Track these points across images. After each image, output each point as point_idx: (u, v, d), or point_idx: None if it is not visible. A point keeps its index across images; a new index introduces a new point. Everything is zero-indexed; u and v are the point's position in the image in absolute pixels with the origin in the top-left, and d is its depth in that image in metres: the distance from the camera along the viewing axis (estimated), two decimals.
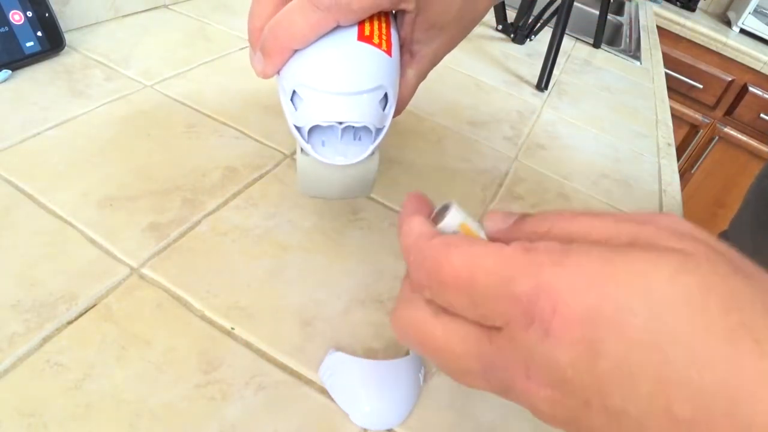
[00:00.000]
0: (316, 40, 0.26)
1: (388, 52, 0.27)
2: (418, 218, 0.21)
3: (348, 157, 0.28)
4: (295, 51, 0.26)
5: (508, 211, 0.21)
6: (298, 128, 0.27)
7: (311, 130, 0.27)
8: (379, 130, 0.28)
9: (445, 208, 0.22)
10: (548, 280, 0.16)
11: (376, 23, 0.28)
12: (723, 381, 0.14)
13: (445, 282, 0.18)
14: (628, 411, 0.15)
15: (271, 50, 0.26)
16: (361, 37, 0.26)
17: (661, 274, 0.15)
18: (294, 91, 0.26)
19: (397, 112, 0.32)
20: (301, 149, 0.29)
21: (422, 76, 0.32)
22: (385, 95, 0.27)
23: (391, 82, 0.27)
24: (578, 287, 0.15)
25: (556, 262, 0.16)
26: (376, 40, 0.27)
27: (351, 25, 0.27)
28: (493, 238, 0.21)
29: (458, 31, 0.32)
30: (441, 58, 0.33)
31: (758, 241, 0.47)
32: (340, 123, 0.26)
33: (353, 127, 0.27)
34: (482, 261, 0.17)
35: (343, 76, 0.26)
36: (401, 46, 0.30)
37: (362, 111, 0.26)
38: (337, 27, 0.26)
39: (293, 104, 0.27)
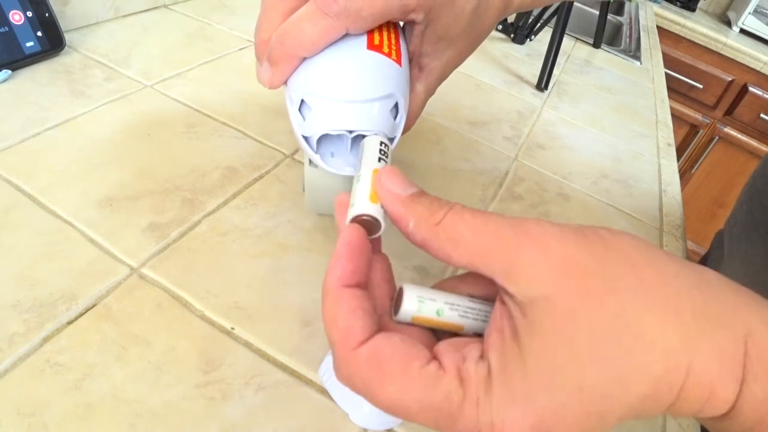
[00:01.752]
0: (325, 49, 0.25)
1: (398, 61, 0.27)
2: (347, 299, 0.20)
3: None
4: (304, 60, 0.26)
5: (406, 180, 0.21)
6: (306, 138, 0.26)
7: (320, 141, 0.26)
8: (390, 140, 0.27)
9: (400, 294, 0.21)
10: (487, 423, 0.17)
11: (385, 33, 0.27)
12: (643, 391, 0.17)
13: (381, 404, 0.19)
14: None
15: (279, 58, 0.26)
16: (371, 46, 0.26)
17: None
18: (302, 101, 0.26)
19: (407, 127, 0.32)
20: (310, 161, 0.28)
21: (431, 90, 0.32)
22: (396, 105, 0.26)
23: (402, 91, 0.27)
24: (513, 423, 0.17)
25: (488, 400, 0.17)
26: (385, 49, 0.26)
27: (360, 35, 0.26)
28: (382, 197, 0.21)
29: (466, 46, 0.32)
30: (449, 72, 0.33)
31: (752, 240, 0.47)
32: (350, 132, 0.25)
33: (363, 136, 0.26)
34: (417, 397, 0.18)
35: (353, 84, 0.25)
36: (410, 60, 0.30)
37: (373, 119, 0.25)
38: (346, 36, 0.26)
39: (301, 114, 0.26)
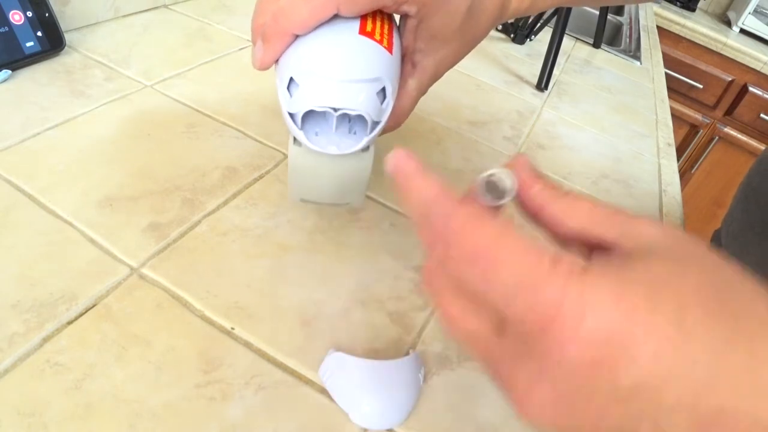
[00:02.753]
0: (317, 30, 0.26)
1: (389, 49, 0.27)
2: (432, 178, 0.19)
3: (341, 148, 0.27)
4: (296, 39, 0.26)
5: (537, 169, 0.21)
6: (292, 116, 0.26)
7: (305, 119, 0.26)
8: (375, 123, 0.27)
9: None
10: (576, 296, 0.16)
11: (378, 22, 0.28)
12: (721, 403, 0.15)
13: (463, 255, 0.18)
14: (646, 414, 0.15)
15: (271, 35, 0.26)
16: (363, 31, 0.26)
17: (672, 283, 0.16)
18: (291, 79, 0.26)
19: (397, 123, 0.32)
20: (294, 140, 0.28)
21: (423, 88, 0.32)
22: (383, 89, 0.27)
23: (391, 77, 0.27)
24: (601, 308, 0.15)
25: (583, 277, 0.16)
26: (377, 36, 0.27)
27: (353, 21, 0.27)
28: (517, 164, 0.21)
29: (460, 47, 0.32)
30: (442, 72, 0.33)
31: (748, 239, 0.47)
32: (336, 110, 0.25)
33: (348, 118, 0.27)
34: (510, 249, 0.17)
35: (341, 64, 0.25)
36: (403, 56, 0.30)
37: (359, 99, 0.26)
38: (339, 20, 0.26)
39: (289, 92, 0.26)
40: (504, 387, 0.18)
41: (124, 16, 0.56)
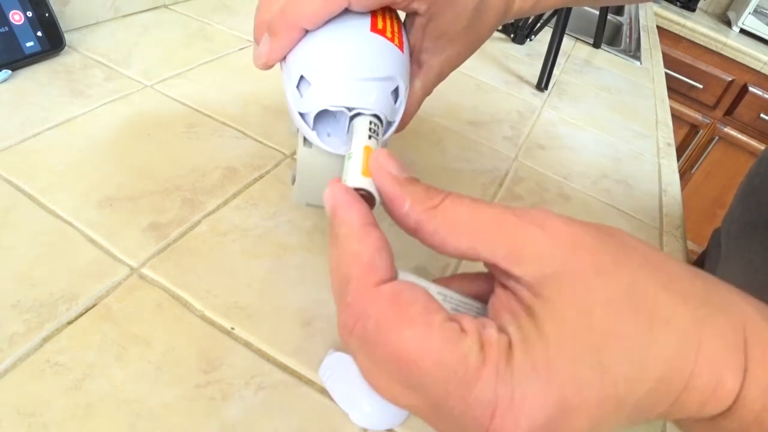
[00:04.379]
0: (327, 26, 0.25)
1: (400, 48, 0.27)
2: (373, 237, 0.19)
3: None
4: (304, 34, 0.25)
5: (402, 164, 0.21)
6: (302, 115, 0.25)
7: (317, 119, 0.26)
8: (389, 124, 0.26)
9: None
10: (504, 402, 0.16)
11: (388, 20, 0.27)
12: (658, 377, 0.17)
13: (385, 352, 0.17)
14: None
15: (279, 29, 0.25)
16: (374, 29, 0.26)
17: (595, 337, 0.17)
18: (301, 77, 0.25)
19: (402, 125, 0.31)
20: (304, 141, 0.27)
21: (428, 88, 0.32)
22: (397, 88, 0.26)
23: (403, 76, 0.26)
24: (530, 408, 0.16)
25: (508, 378, 0.16)
26: (389, 34, 0.26)
27: (364, 17, 0.26)
28: (376, 173, 0.20)
29: (465, 47, 0.32)
30: (447, 73, 0.33)
31: (749, 238, 0.47)
32: (350, 109, 0.25)
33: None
34: (434, 348, 0.16)
35: (355, 62, 0.25)
36: (410, 56, 0.30)
37: (373, 98, 0.25)
38: (350, 17, 0.25)
39: (299, 91, 0.25)
40: None
41: (124, 16, 0.56)
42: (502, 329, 0.18)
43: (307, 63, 0.25)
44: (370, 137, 0.23)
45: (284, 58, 0.26)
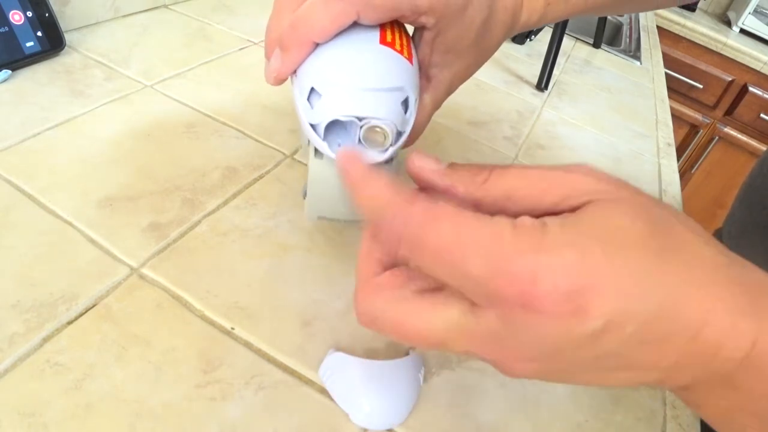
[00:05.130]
0: (337, 39, 0.25)
1: (409, 60, 0.27)
2: (382, 176, 0.20)
3: (366, 159, 0.26)
4: (315, 48, 0.26)
5: (434, 156, 0.22)
6: (314, 127, 0.26)
7: (327, 131, 0.26)
8: (399, 134, 0.27)
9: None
10: (546, 264, 0.17)
11: (397, 34, 0.27)
12: (664, 300, 0.17)
13: (430, 252, 0.18)
14: (615, 352, 0.18)
15: (290, 43, 0.25)
16: (383, 41, 0.26)
17: (625, 227, 0.18)
18: (312, 89, 0.25)
19: (413, 139, 0.32)
20: (315, 153, 0.27)
21: (438, 102, 0.32)
22: (406, 99, 0.26)
23: (412, 87, 0.27)
24: (571, 267, 0.17)
25: (545, 244, 0.17)
26: (397, 47, 0.27)
27: (373, 30, 0.26)
28: (420, 176, 0.22)
29: (474, 60, 0.32)
30: (456, 87, 0.33)
31: (750, 239, 0.47)
32: (360, 119, 0.25)
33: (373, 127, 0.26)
34: (472, 234, 0.18)
35: (365, 73, 0.25)
36: (419, 68, 0.30)
37: (383, 108, 0.25)
38: (359, 30, 0.26)
39: (309, 103, 0.25)
40: (489, 357, 0.20)
41: (124, 16, 0.56)
42: (538, 219, 0.19)
43: (317, 75, 0.25)
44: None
45: (295, 72, 0.27)
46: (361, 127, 0.25)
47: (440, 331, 0.19)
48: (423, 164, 0.22)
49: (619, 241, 0.18)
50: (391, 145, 0.26)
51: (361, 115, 0.25)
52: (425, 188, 0.22)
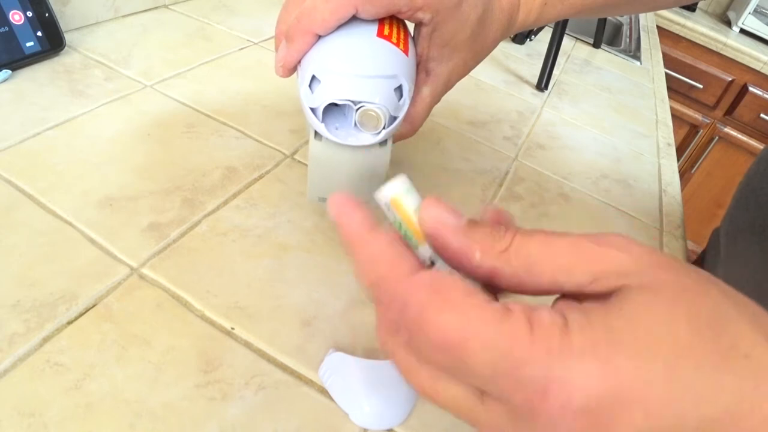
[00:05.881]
0: (337, 32, 0.28)
1: (405, 52, 0.29)
2: (384, 235, 0.18)
3: (360, 140, 0.29)
4: (318, 39, 0.28)
5: (452, 208, 0.19)
6: (313, 110, 0.28)
7: (326, 116, 0.28)
8: (393, 118, 0.29)
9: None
10: (560, 374, 0.15)
11: (395, 28, 0.29)
12: (725, 407, 0.15)
13: (431, 339, 0.16)
14: None
15: (295, 35, 0.28)
16: (380, 34, 0.28)
17: (659, 325, 0.15)
18: (313, 76, 0.27)
19: (413, 130, 0.34)
20: (314, 135, 0.29)
21: (436, 96, 0.33)
22: (400, 87, 0.28)
23: (407, 76, 0.29)
24: (591, 380, 0.15)
25: (564, 350, 0.15)
26: (394, 40, 0.29)
27: (371, 24, 0.28)
28: (434, 233, 0.19)
29: (471, 56, 0.33)
30: (454, 82, 0.34)
31: (748, 239, 0.47)
32: (355, 103, 0.27)
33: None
34: (481, 330, 0.16)
35: (360, 61, 0.27)
36: (417, 64, 0.32)
37: (377, 93, 0.27)
38: (359, 25, 0.28)
39: (310, 89, 0.28)
40: None
41: (124, 16, 0.56)
42: (558, 313, 0.17)
43: (317, 63, 0.27)
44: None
45: (300, 62, 0.29)
46: (356, 111, 0.27)
47: (445, 399, 0.18)
48: (440, 218, 0.19)
49: (656, 346, 0.15)
50: (384, 128, 0.28)
51: (356, 99, 0.27)
52: (436, 245, 0.19)
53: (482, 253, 0.18)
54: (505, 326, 0.16)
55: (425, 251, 0.19)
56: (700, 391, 0.15)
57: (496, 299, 0.17)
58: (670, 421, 0.15)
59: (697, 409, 0.15)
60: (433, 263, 0.19)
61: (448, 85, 0.34)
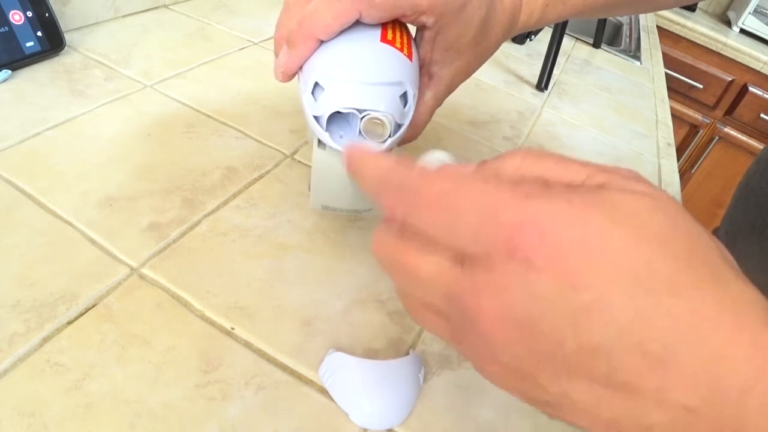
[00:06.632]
0: (340, 37, 0.27)
1: (409, 57, 0.28)
2: (383, 154, 0.20)
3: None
4: (320, 45, 0.27)
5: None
6: (317, 119, 0.27)
7: (330, 124, 0.27)
8: (398, 126, 0.28)
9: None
10: (535, 212, 0.16)
11: (398, 32, 0.29)
12: (688, 317, 0.14)
13: (424, 202, 0.18)
14: (601, 346, 0.15)
15: (297, 40, 0.27)
16: (384, 39, 0.28)
17: (640, 211, 0.16)
18: (316, 83, 0.27)
19: (415, 134, 0.33)
20: (318, 143, 0.28)
21: (439, 99, 0.33)
22: (405, 93, 0.28)
23: (411, 82, 0.28)
24: (565, 220, 0.15)
25: (543, 195, 0.16)
26: (397, 45, 0.28)
27: (374, 29, 0.28)
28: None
29: (473, 58, 0.33)
30: (457, 85, 0.34)
31: (747, 238, 0.47)
32: (360, 111, 0.26)
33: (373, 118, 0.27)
34: (468, 185, 0.17)
35: (365, 68, 0.27)
36: (420, 67, 0.31)
37: (382, 100, 0.27)
38: (362, 29, 0.27)
39: (313, 96, 0.27)
40: (470, 310, 0.17)
41: (124, 16, 0.56)
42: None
43: (320, 70, 0.27)
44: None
45: (301, 68, 0.28)
46: (361, 119, 0.27)
47: (431, 273, 0.18)
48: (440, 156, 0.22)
49: (635, 224, 0.15)
50: (390, 136, 0.27)
51: (360, 107, 0.26)
52: None
53: (478, 165, 0.20)
54: (493, 182, 0.17)
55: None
56: (665, 275, 0.15)
57: None
58: (637, 295, 0.14)
59: (658, 293, 0.15)
60: None
61: (450, 88, 0.34)
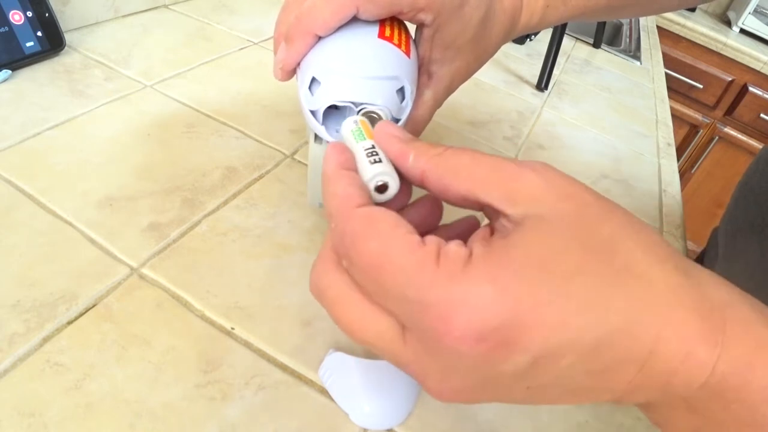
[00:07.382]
0: (338, 33, 0.27)
1: (407, 53, 0.28)
2: (346, 176, 0.20)
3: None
4: (318, 41, 0.27)
5: (401, 129, 0.22)
6: (313, 113, 0.27)
7: (327, 119, 0.27)
8: (395, 121, 0.28)
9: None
10: (462, 297, 0.16)
11: (396, 30, 0.29)
12: (619, 325, 0.17)
13: (358, 263, 0.18)
14: (552, 383, 0.17)
15: (294, 36, 0.27)
16: (382, 36, 0.28)
17: (545, 255, 0.17)
18: (313, 78, 0.27)
19: (415, 133, 0.33)
20: (315, 138, 0.29)
21: (439, 99, 0.33)
22: (402, 89, 0.28)
23: (409, 78, 0.28)
24: (483, 307, 0.16)
25: (463, 278, 0.17)
26: (395, 41, 0.28)
27: (372, 26, 0.28)
28: (382, 139, 0.22)
29: (473, 58, 0.33)
30: (457, 85, 0.34)
31: (747, 237, 0.47)
32: (356, 105, 0.26)
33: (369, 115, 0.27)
34: (398, 256, 0.18)
35: (362, 62, 0.27)
36: (420, 66, 0.31)
37: (379, 94, 0.27)
38: (360, 26, 0.27)
39: (310, 91, 0.27)
40: (417, 380, 0.19)
41: (124, 16, 0.56)
42: (466, 247, 0.18)
43: (318, 65, 0.27)
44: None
45: (299, 64, 0.28)
46: (357, 113, 0.26)
47: (371, 335, 0.19)
48: (388, 130, 0.22)
49: (549, 271, 0.17)
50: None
51: (357, 100, 0.26)
52: (383, 149, 0.22)
53: (416, 156, 0.21)
54: (417, 254, 0.17)
55: (368, 143, 0.22)
56: (594, 310, 0.16)
57: (422, 236, 0.19)
58: (568, 339, 0.16)
59: (592, 327, 0.16)
60: (379, 160, 0.21)
61: (450, 88, 0.34)
